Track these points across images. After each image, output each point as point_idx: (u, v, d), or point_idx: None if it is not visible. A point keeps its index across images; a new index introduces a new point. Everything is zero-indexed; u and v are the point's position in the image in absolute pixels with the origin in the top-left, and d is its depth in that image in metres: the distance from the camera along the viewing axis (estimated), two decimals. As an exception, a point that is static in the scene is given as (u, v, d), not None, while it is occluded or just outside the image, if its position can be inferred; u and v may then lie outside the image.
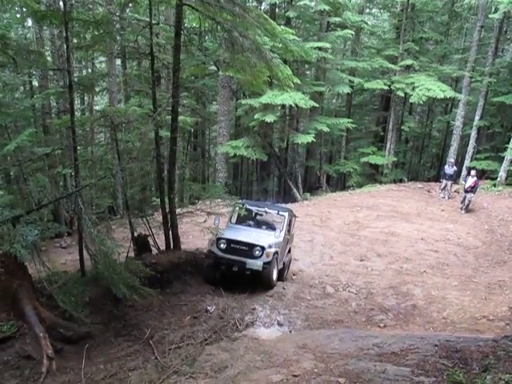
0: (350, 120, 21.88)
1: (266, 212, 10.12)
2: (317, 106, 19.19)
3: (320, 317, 8.22)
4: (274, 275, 9.22)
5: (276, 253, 9.06)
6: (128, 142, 9.52)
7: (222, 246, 8.95)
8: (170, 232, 9.17)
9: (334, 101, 29.98)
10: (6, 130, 13.21)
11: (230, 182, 21.68)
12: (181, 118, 10.73)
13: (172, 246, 9.31)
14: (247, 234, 9.39)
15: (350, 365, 5.49)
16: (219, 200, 9.70)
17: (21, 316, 6.38)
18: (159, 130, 9.28)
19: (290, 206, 15.99)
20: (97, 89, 19.09)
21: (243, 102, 19.88)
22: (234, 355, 6.30)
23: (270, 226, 10.11)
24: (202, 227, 9.13)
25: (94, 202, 8.67)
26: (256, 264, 8.69)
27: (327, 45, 19.22)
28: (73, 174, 9.59)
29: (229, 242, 8.96)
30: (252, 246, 8.84)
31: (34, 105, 16.18)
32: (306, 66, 23.77)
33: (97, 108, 20.00)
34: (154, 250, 9.37)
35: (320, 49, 19.24)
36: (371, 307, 8.81)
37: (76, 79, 12.62)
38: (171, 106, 8.74)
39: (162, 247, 9.48)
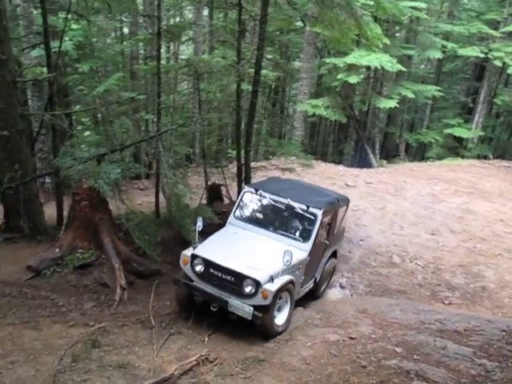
0: (437, 88, 20.61)
1: (289, 206, 6.82)
2: (404, 70, 18.22)
3: (383, 285, 8.15)
4: (281, 319, 5.99)
5: (287, 287, 5.95)
6: (209, 93, 9.65)
7: (197, 268, 5.90)
8: (243, 184, 9.32)
9: (422, 66, 28.28)
10: (97, 74, 13.84)
11: (306, 141, 21.47)
12: (263, 71, 10.65)
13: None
14: (243, 251, 6.23)
15: (408, 336, 5.44)
16: (294, 158, 9.65)
17: (100, 247, 6.91)
18: (241, 83, 9.29)
19: (364, 171, 15.63)
20: (183, 38, 19.34)
21: (327, 60, 19.29)
22: (295, 310, 6.45)
23: (299, 230, 6.79)
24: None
25: (172, 149, 8.95)
26: (243, 309, 5.53)
27: (422, 4, 17.96)
28: (155, 119, 9.94)
29: (208, 264, 5.85)
30: (241, 278, 5.63)
31: (123, 50, 16.74)
32: (397, 28, 22.51)
33: (182, 57, 20.29)
34: (226, 200, 9.58)
35: (414, 8, 18.05)
36: (437, 283, 8.56)
37: (164, 27, 12.80)
38: (255, 59, 8.68)
39: (234, 198, 9.69)
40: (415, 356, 4.87)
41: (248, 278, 5.59)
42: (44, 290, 6.46)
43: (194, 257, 5.92)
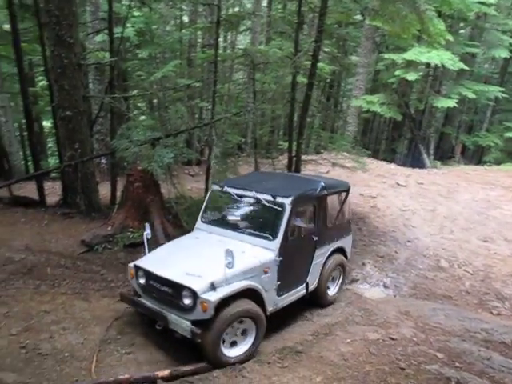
0: (501, 89, 19.68)
1: (255, 200, 5.81)
2: (466, 68, 17.50)
3: (428, 288, 7.95)
4: (242, 342, 4.96)
5: (244, 294, 4.90)
6: (264, 83, 9.68)
7: (141, 281, 5.18)
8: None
9: (486, 65, 27.08)
10: (155, 60, 14.18)
11: (358, 138, 21.14)
12: (319, 64, 10.55)
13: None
14: (190, 258, 5.29)
15: (451, 343, 5.31)
16: (345, 153, 9.54)
17: (150, 227, 7.10)
18: (296, 75, 9.27)
19: (416, 171, 15.24)
20: (241, 28, 19.46)
21: (385, 56, 18.83)
22: (336, 306, 6.44)
23: (268, 226, 5.66)
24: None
25: (224, 137, 9.06)
26: (181, 325, 4.67)
27: (492, 0, 17.16)
28: (209, 107, 10.10)
29: (148, 275, 5.10)
30: (178, 288, 4.73)
31: (182, 38, 17.03)
32: (461, 24, 21.63)
33: (239, 47, 20.42)
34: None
35: (482, 4, 17.25)
36: (486, 291, 8.25)
37: (224, 16, 12.90)
38: (312, 51, 8.63)
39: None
40: (457, 364, 4.75)
41: (185, 287, 4.65)
42: (95, 265, 6.78)
43: (137, 268, 5.21)
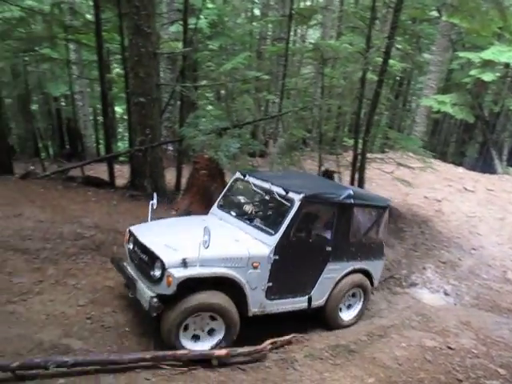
0: None
1: (268, 192, 5.55)
2: (550, 71, 16.48)
3: (492, 300, 7.61)
4: (199, 346, 4.59)
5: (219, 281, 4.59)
6: (333, 79, 9.60)
7: (129, 245, 5.20)
8: (357, 174, 9.19)
9: None
10: (225, 52, 14.40)
11: (426, 138, 20.43)
12: (390, 61, 10.29)
13: (356, 188, 9.36)
14: (180, 233, 5.17)
15: (515, 359, 5.07)
16: (411, 154, 9.29)
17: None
18: (367, 71, 9.12)
19: (486, 177, 14.53)
20: (312, 22, 19.30)
21: (461, 54, 18.02)
22: (392, 308, 6.33)
23: (274, 220, 5.37)
24: (389, 177, 8.90)
25: (289, 131, 9.09)
26: (144, 296, 4.53)
27: None
28: (276, 100, 10.15)
29: (135, 241, 5.08)
30: (153, 258, 4.60)
31: (252, 31, 17.16)
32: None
33: (309, 41, 20.29)
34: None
35: None
36: (558, 308, 7.79)
37: (296, 9, 12.85)
38: (385, 48, 8.45)
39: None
40: (521, 381, 4.54)
41: (157, 257, 4.49)
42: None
43: (130, 233, 5.23)
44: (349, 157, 9.38)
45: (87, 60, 14.30)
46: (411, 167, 9.19)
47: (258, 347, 4.74)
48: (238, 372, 4.51)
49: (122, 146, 18.94)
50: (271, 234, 5.01)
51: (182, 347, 4.47)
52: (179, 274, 4.31)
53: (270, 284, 5.00)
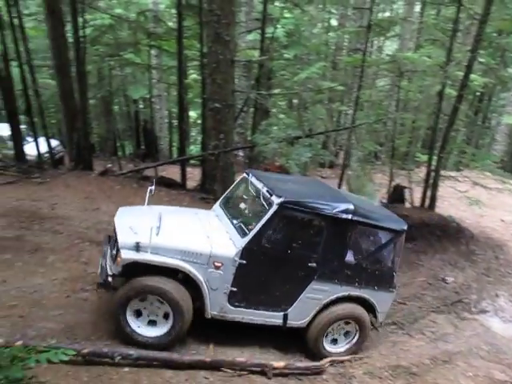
0: None
1: (258, 193, 5.11)
2: None
3: None
4: (150, 332, 4.55)
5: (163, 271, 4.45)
6: (409, 92, 9.36)
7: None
8: (429, 191, 8.89)
9: None
10: (300, 61, 14.47)
11: (505, 159, 19.35)
12: (472, 76, 9.88)
13: (426, 205, 9.05)
14: (156, 220, 4.81)
15: None
16: (489, 174, 8.82)
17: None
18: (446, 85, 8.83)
19: None
20: (389, 33, 18.93)
21: (551, 71, 17.00)
22: (459, 334, 6.02)
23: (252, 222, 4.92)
24: (462, 196, 8.53)
25: (361, 143, 8.97)
26: (103, 272, 4.71)
27: None
28: (349, 111, 10.06)
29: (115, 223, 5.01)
30: (116, 238, 4.67)
31: (328, 41, 17.11)
32: None
33: (386, 53, 19.93)
34: (408, 204, 9.32)
35: None
36: None
37: (374, 20, 12.68)
38: (467, 61, 8.14)
39: (416, 203, 9.32)
40: None
41: (116, 238, 4.58)
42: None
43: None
44: (421, 173, 9.09)
45: (167, 65, 14.92)
46: (488, 187, 8.73)
47: (317, 363, 4.73)
48: (294, 381, 4.52)
49: (195, 149, 19.51)
50: (243, 236, 4.69)
51: (132, 331, 4.47)
52: (126, 255, 4.32)
53: (235, 289, 4.68)
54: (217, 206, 5.76)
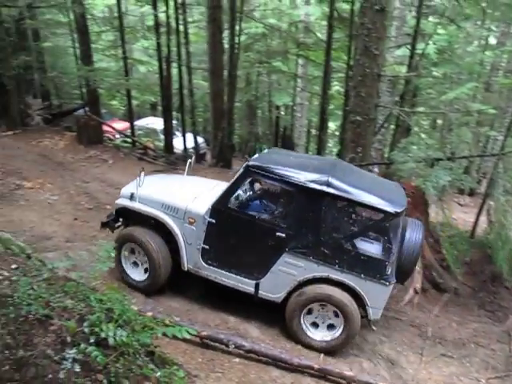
0: None
1: None
2: None
3: None
4: (136, 275, 5.31)
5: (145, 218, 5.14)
6: None
7: None
8: None
9: None
10: (450, 80, 13.73)
11: None
12: None
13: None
14: (173, 182, 6.08)
15: None
16: None
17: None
18: None
19: None
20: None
21: None
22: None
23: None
24: None
25: (508, 173, 8.23)
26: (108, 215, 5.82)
27: None
28: (498, 137, 9.33)
29: None
30: None
31: (484, 60, 15.98)
32: None
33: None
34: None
35: None
36: None
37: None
38: None
39: None
40: None
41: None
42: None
43: None
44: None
45: (312, 75, 15.26)
46: None
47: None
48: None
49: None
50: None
51: (124, 272, 5.28)
52: (119, 201, 5.32)
53: (206, 246, 4.98)
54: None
